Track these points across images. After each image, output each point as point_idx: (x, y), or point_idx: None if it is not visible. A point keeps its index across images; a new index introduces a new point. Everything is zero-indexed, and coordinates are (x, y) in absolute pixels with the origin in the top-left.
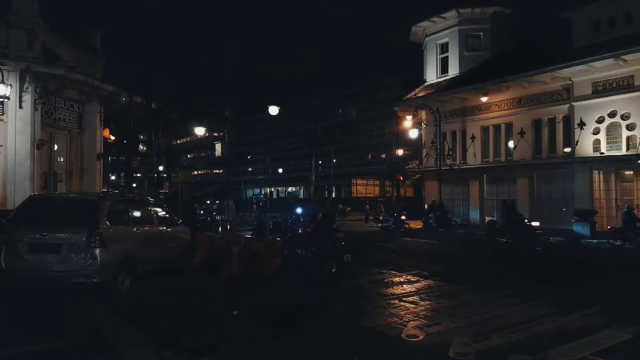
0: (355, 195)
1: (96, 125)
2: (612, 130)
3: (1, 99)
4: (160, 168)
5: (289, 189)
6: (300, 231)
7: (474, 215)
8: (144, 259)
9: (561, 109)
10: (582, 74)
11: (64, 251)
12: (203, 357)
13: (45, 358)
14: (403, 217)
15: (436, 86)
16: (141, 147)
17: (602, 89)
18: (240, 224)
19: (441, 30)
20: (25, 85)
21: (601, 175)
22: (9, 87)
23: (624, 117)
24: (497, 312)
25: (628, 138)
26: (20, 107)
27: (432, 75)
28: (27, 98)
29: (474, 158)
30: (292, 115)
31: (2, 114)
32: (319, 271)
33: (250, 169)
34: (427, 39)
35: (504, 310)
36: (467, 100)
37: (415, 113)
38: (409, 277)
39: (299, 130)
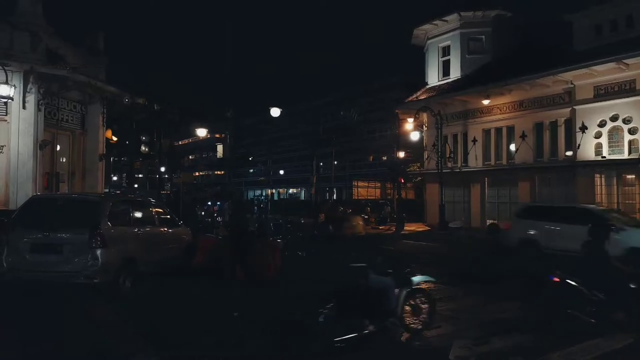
0: (356, 197)
1: (99, 126)
2: (614, 134)
3: (5, 100)
4: (162, 169)
5: (290, 190)
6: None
7: (475, 218)
8: (145, 260)
9: (563, 112)
10: (584, 78)
11: (65, 251)
12: (203, 359)
13: (44, 359)
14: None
15: (438, 89)
16: (143, 148)
17: (603, 93)
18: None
19: (443, 34)
20: (29, 86)
21: (603, 179)
22: (13, 87)
23: (626, 120)
24: (498, 315)
25: (630, 142)
26: (24, 107)
27: (433, 78)
28: (31, 99)
29: (475, 161)
30: (294, 116)
31: (6, 115)
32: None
33: (251, 171)
34: (429, 41)
35: (505, 314)
36: (468, 103)
37: (417, 115)
38: None
39: (300, 131)
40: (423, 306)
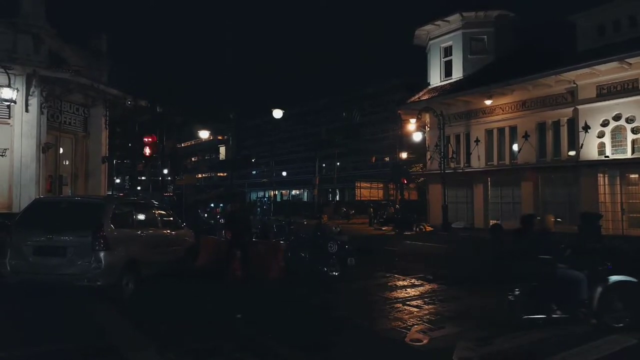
0: (359, 199)
1: (101, 128)
2: (617, 134)
3: (8, 103)
4: (165, 171)
5: (293, 191)
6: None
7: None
8: (148, 262)
9: (565, 112)
10: (587, 77)
11: (69, 254)
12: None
13: (46, 359)
14: None
15: (440, 89)
16: (146, 151)
17: (606, 92)
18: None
19: (445, 34)
20: (32, 89)
21: (606, 179)
22: (16, 91)
23: (629, 120)
24: (501, 316)
25: (633, 141)
26: (27, 110)
27: (436, 79)
28: (34, 102)
29: (478, 161)
30: (296, 118)
31: (9, 118)
32: (322, 274)
33: (254, 172)
34: (431, 42)
35: (508, 315)
36: (471, 103)
37: (419, 116)
38: (412, 281)
39: (302, 133)
40: (619, 303)
